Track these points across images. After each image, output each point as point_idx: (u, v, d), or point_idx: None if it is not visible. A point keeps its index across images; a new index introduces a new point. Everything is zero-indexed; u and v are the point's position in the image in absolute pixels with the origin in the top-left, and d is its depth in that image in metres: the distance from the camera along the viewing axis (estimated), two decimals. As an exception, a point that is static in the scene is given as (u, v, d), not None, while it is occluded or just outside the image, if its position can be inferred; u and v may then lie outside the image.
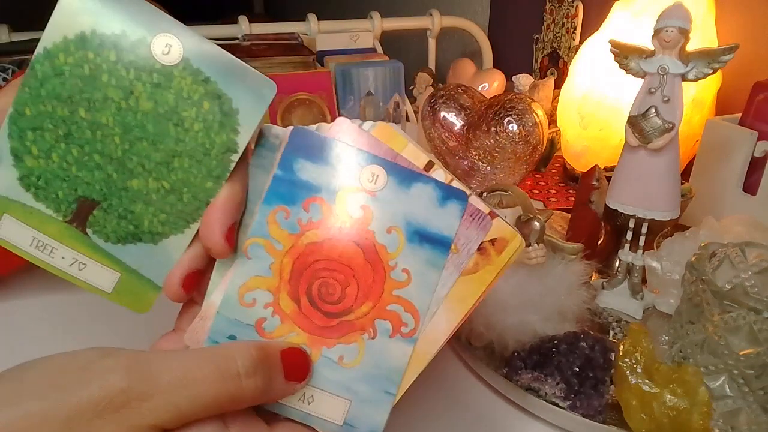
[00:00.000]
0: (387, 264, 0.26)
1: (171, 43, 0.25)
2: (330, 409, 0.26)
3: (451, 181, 0.27)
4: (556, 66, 1.03)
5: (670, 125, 0.42)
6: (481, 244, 0.26)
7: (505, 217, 0.28)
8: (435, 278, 0.26)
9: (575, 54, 0.76)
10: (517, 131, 0.66)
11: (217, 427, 0.23)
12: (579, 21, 0.96)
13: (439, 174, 0.27)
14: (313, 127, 0.29)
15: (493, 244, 0.27)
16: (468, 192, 0.27)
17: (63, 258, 0.26)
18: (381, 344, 0.26)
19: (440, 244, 0.26)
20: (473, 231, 0.26)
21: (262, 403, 0.25)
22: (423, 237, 0.26)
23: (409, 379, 0.26)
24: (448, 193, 0.26)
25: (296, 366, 0.25)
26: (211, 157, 0.26)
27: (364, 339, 0.26)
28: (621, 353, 0.37)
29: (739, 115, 0.60)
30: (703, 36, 0.64)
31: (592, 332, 0.41)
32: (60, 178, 0.25)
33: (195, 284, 0.26)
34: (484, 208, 0.27)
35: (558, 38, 1.02)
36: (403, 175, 0.26)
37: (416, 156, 0.26)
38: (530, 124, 0.65)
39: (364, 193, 0.26)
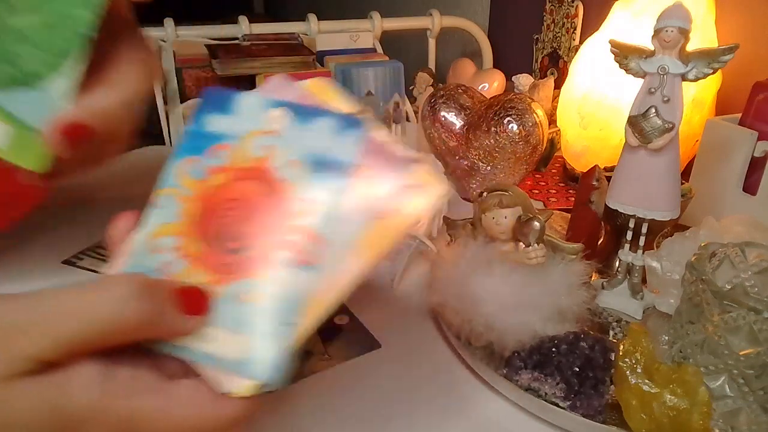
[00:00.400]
0: (288, 196, 0.26)
1: None
2: (229, 346, 0.25)
3: (378, 130, 0.27)
4: (556, 66, 1.03)
5: (670, 125, 0.42)
6: (401, 187, 0.26)
7: (430, 162, 0.28)
8: (337, 204, 0.26)
9: (575, 54, 0.76)
10: (517, 131, 0.66)
11: (100, 367, 0.22)
12: (579, 21, 0.96)
13: (376, 129, 0.27)
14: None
15: (413, 189, 0.26)
16: (365, 120, 0.27)
17: None
18: (281, 275, 0.26)
19: (340, 169, 0.26)
20: (392, 174, 0.26)
21: (154, 336, 0.24)
22: (324, 165, 0.27)
23: (316, 310, 0.26)
24: (346, 123, 0.27)
25: (192, 301, 0.25)
26: None
27: (265, 272, 0.26)
28: (621, 353, 0.37)
29: (739, 115, 0.60)
30: (703, 36, 0.64)
31: (592, 332, 0.41)
32: None
33: (79, 138, 0.26)
34: (408, 152, 0.27)
35: (558, 38, 1.02)
36: (306, 112, 0.27)
37: (347, 105, 0.28)
38: (530, 124, 0.65)
39: (267, 135, 0.27)
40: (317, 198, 0.26)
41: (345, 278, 0.26)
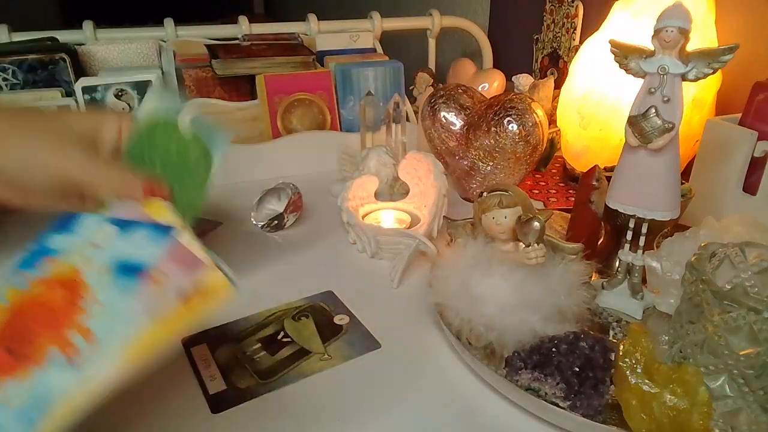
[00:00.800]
0: (85, 299, 0.28)
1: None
2: None
3: (185, 238, 0.30)
4: (556, 66, 1.03)
5: (670, 125, 0.42)
6: (187, 293, 0.28)
7: (223, 268, 0.30)
8: (124, 304, 0.28)
9: (575, 54, 0.76)
10: (517, 131, 0.65)
11: None
12: (579, 21, 0.96)
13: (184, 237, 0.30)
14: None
15: (199, 294, 0.28)
16: (176, 229, 0.31)
17: None
18: (45, 374, 0.27)
19: (137, 271, 0.29)
20: (184, 279, 0.28)
21: None
22: (126, 269, 0.29)
23: (63, 413, 0.26)
24: (157, 231, 0.31)
25: None
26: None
27: (33, 371, 0.27)
28: (621, 353, 0.37)
29: (739, 115, 0.60)
30: (703, 36, 0.64)
31: (592, 332, 0.41)
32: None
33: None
34: (204, 258, 0.30)
35: (558, 38, 1.02)
36: (128, 225, 0.31)
37: (172, 219, 0.32)
38: (530, 124, 0.65)
39: (91, 248, 0.30)
40: (109, 299, 0.28)
41: (104, 379, 0.27)
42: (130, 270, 0.29)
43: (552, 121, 0.82)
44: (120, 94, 0.77)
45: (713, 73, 0.42)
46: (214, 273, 0.29)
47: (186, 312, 0.28)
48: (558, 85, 0.88)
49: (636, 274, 0.49)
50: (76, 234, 0.32)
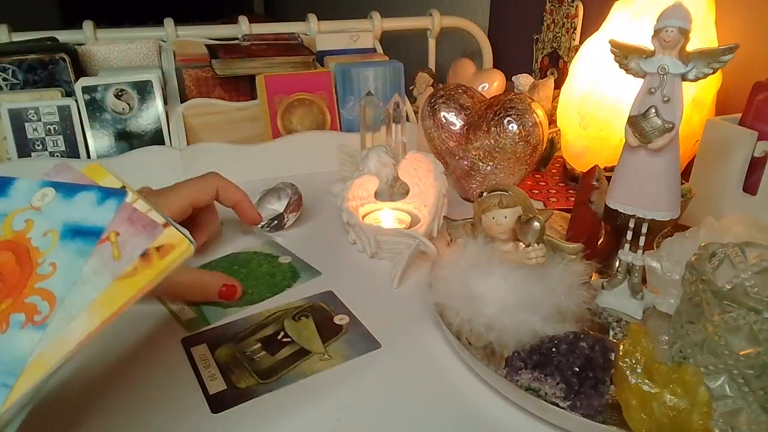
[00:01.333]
0: (36, 262, 0.29)
1: None
2: None
3: (136, 200, 0.31)
4: (556, 66, 1.03)
5: (670, 125, 0.42)
6: (146, 250, 0.29)
7: (177, 227, 0.31)
8: (80, 266, 0.29)
9: (575, 54, 0.76)
10: (517, 131, 0.65)
11: None
12: (579, 21, 0.96)
13: (134, 199, 0.31)
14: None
15: (158, 251, 0.30)
16: (132, 196, 0.31)
17: None
18: (10, 337, 0.28)
19: (92, 234, 0.30)
20: (140, 238, 0.30)
21: None
22: (77, 233, 0.30)
23: (37, 370, 0.27)
24: (107, 194, 0.31)
25: None
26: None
27: None
28: (621, 353, 0.37)
29: (739, 115, 0.60)
30: (703, 36, 0.64)
31: (592, 332, 0.41)
32: None
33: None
34: (158, 218, 0.30)
35: (558, 38, 1.02)
36: (70, 189, 0.31)
37: (113, 182, 0.32)
38: (530, 124, 0.65)
39: (30, 210, 0.31)
40: (63, 262, 0.29)
41: (74, 337, 0.28)
42: (83, 233, 0.30)
43: (552, 121, 0.82)
44: (120, 94, 0.77)
45: (713, 73, 0.42)
46: (170, 230, 0.30)
47: (147, 268, 0.29)
48: (558, 85, 0.88)
49: (636, 274, 0.49)
50: (10, 198, 0.32)
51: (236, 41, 0.95)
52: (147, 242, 0.29)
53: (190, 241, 0.30)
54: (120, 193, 0.31)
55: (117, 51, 0.88)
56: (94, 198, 0.31)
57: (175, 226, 0.30)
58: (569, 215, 0.61)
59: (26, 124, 0.73)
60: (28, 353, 0.27)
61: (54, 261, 0.29)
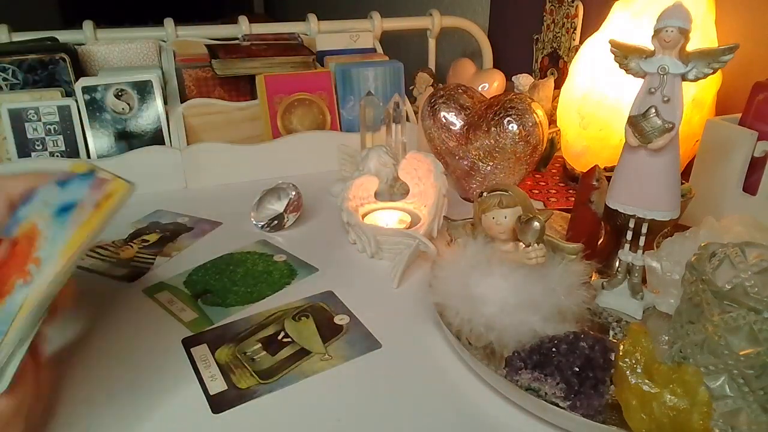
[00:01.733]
0: (38, 240, 0.37)
1: None
2: None
3: (101, 172, 0.39)
4: (556, 66, 1.03)
5: (670, 125, 0.42)
6: (97, 200, 0.37)
7: (117, 176, 0.39)
8: (61, 233, 0.36)
9: (575, 54, 0.76)
10: (517, 131, 0.66)
11: None
12: (579, 21, 0.96)
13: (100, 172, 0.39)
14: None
15: (106, 198, 0.38)
16: (96, 171, 0.39)
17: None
18: (12, 298, 0.35)
19: (70, 207, 0.37)
20: (95, 193, 0.38)
21: None
22: (62, 209, 0.37)
23: (23, 312, 0.34)
24: (84, 177, 0.39)
25: None
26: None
27: (5, 300, 0.35)
28: (621, 353, 0.37)
29: (739, 115, 0.60)
30: (703, 36, 0.64)
31: (592, 332, 0.41)
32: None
33: None
34: (108, 175, 0.39)
35: (558, 38, 1.02)
36: (65, 181, 0.39)
37: (89, 167, 0.40)
38: (530, 124, 0.65)
39: (42, 205, 0.39)
40: (50, 234, 0.37)
41: (45, 279, 0.35)
42: (66, 209, 0.38)
43: (552, 121, 0.82)
44: (120, 94, 0.77)
45: (713, 73, 0.42)
46: (116, 180, 0.38)
47: (99, 213, 0.37)
48: (558, 85, 0.88)
49: (636, 274, 0.49)
50: (34, 201, 0.40)
51: (236, 41, 0.95)
52: (99, 194, 0.38)
53: (130, 183, 0.38)
54: (91, 173, 0.39)
55: (117, 51, 0.88)
56: (77, 182, 0.39)
57: (120, 178, 0.39)
58: (569, 215, 0.61)
59: (26, 124, 0.73)
60: (17, 305, 0.35)
61: (46, 234, 0.37)
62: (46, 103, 0.74)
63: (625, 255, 0.49)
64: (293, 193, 0.66)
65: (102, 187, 0.38)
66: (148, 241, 0.64)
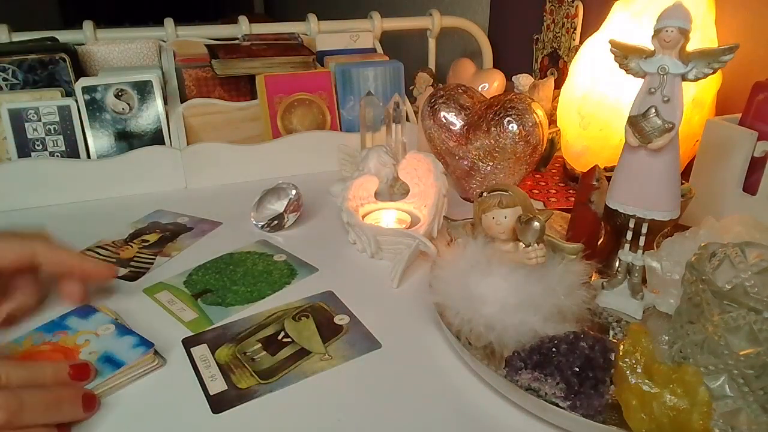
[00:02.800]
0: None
1: None
2: None
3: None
4: (556, 66, 1.03)
5: (670, 125, 0.42)
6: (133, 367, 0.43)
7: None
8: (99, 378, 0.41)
9: (575, 54, 0.76)
10: (517, 131, 0.66)
11: None
12: (579, 21, 0.96)
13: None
14: None
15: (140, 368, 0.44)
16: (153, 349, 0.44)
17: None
18: None
19: (117, 365, 0.42)
20: (140, 363, 0.43)
21: None
22: (108, 359, 0.42)
23: None
24: (141, 342, 0.44)
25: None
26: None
27: None
28: (621, 353, 0.37)
29: (739, 115, 0.60)
30: (703, 36, 0.64)
31: (592, 332, 0.41)
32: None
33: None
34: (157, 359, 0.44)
35: (558, 38, 1.02)
36: (123, 330, 0.46)
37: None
38: (530, 124, 0.65)
39: (92, 334, 0.45)
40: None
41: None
42: (113, 362, 0.42)
43: (552, 121, 0.82)
44: (120, 94, 0.77)
45: (713, 73, 0.42)
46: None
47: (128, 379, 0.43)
48: (558, 85, 0.88)
49: (636, 274, 0.49)
50: (87, 321, 0.46)
51: (236, 41, 0.95)
52: (140, 366, 0.43)
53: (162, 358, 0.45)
54: (149, 344, 0.44)
55: (117, 51, 0.88)
56: (132, 342, 0.44)
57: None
58: (569, 215, 0.61)
59: (26, 124, 0.73)
60: None
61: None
62: (46, 103, 0.74)
63: (625, 255, 0.49)
64: (293, 193, 0.66)
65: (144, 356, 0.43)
66: (148, 241, 0.64)
